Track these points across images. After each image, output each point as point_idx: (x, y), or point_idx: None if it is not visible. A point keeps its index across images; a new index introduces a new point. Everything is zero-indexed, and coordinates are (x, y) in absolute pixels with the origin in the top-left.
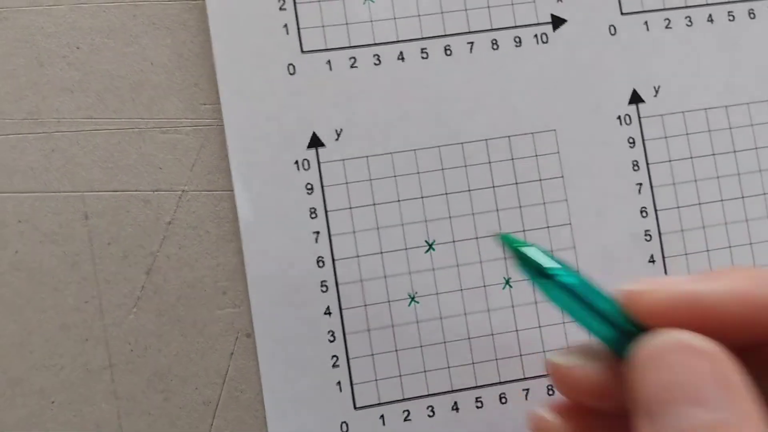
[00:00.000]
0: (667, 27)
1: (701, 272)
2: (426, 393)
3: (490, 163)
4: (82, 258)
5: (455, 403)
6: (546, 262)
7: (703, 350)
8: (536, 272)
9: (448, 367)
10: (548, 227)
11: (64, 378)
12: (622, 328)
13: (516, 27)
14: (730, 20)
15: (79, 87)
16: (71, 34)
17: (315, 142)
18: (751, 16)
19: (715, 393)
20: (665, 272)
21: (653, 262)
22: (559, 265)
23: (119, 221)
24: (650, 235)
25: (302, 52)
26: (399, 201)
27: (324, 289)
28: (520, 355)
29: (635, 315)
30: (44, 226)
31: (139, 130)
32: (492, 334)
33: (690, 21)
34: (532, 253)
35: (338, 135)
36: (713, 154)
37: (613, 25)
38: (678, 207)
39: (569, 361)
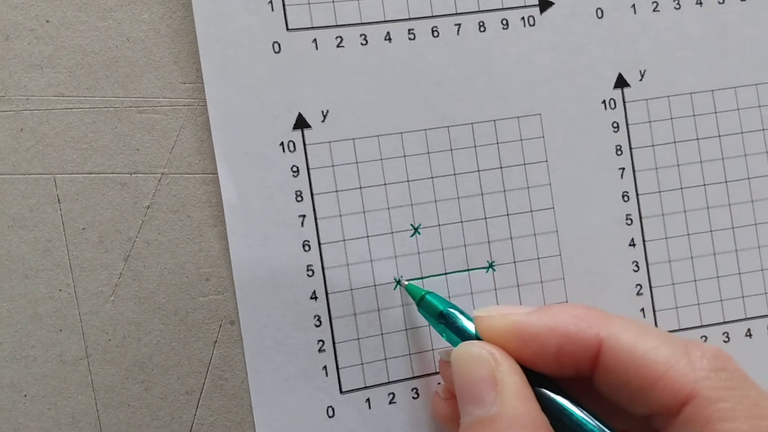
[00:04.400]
0: (654, 10)
1: (540, 306)
2: (411, 375)
3: (475, 147)
4: (54, 244)
5: (439, 384)
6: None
7: (479, 356)
8: (432, 313)
9: (432, 350)
10: (531, 211)
11: (37, 370)
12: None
13: (503, 9)
14: (719, 2)
15: (48, 63)
16: (40, 6)
17: (301, 123)
18: None
19: (487, 393)
20: (645, 256)
21: (633, 245)
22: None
23: (94, 205)
24: (631, 219)
25: (288, 29)
26: (385, 185)
27: (310, 273)
28: None
29: (480, 334)
30: (13, 210)
31: (115, 109)
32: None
33: (678, 4)
34: (430, 298)
35: (324, 116)
36: (697, 139)
37: (600, 8)
38: (659, 191)
39: (447, 357)
